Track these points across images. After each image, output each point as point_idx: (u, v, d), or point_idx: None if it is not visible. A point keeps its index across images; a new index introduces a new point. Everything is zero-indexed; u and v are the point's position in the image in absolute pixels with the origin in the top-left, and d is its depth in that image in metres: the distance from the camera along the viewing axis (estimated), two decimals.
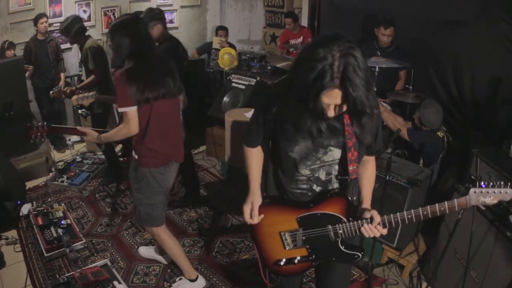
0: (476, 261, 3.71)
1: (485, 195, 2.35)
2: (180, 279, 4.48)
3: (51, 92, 5.78)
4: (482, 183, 2.35)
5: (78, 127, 4.06)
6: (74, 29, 5.96)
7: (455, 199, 2.38)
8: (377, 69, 5.46)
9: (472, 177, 3.85)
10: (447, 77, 5.54)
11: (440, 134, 4.98)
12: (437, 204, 2.40)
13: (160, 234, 4.22)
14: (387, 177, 4.14)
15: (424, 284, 4.41)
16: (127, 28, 3.74)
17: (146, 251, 4.90)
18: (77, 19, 6.12)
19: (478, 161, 3.82)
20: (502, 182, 2.35)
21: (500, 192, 2.33)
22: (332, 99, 2.14)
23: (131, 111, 3.66)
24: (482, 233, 3.63)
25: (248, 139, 2.84)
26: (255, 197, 2.78)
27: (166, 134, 3.94)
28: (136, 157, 3.91)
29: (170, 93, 3.86)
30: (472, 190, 2.36)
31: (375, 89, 5.53)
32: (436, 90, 5.68)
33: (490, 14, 4.95)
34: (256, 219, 2.73)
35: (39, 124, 3.99)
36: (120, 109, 3.68)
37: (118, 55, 3.78)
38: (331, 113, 2.21)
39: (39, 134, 4.00)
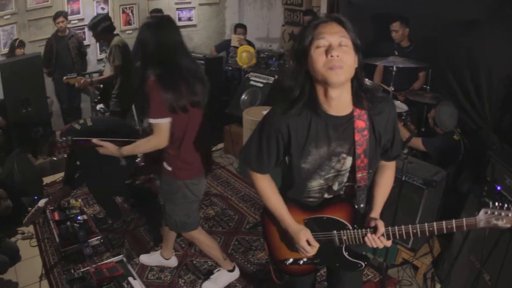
0: (489, 264, 3.68)
1: (497, 217, 2.18)
2: (219, 270, 4.50)
3: (64, 77, 5.84)
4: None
5: (93, 139, 3.74)
6: (100, 27, 6.08)
7: (464, 219, 2.24)
8: (394, 69, 5.43)
9: (488, 179, 3.82)
10: (465, 78, 5.48)
11: (456, 137, 4.94)
12: (444, 222, 2.28)
13: (197, 237, 4.21)
14: (403, 177, 4.13)
15: (438, 286, 4.40)
16: (150, 31, 3.50)
17: (150, 259, 4.81)
18: (105, 18, 6.24)
19: (494, 163, 3.79)
20: None
21: None
22: (327, 30, 2.19)
23: (165, 123, 3.46)
24: (497, 236, 3.58)
25: (257, 164, 2.62)
26: (300, 228, 2.60)
27: (199, 146, 3.77)
28: (170, 169, 3.76)
29: (202, 102, 3.71)
30: (483, 210, 2.21)
31: (392, 89, 5.51)
32: (454, 90, 5.62)
33: (504, 12, 4.89)
34: (316, 244, 2.62)
35: (63, 138, 3.82)
36: (153, 121, 3.45)
37: (142, 59, 3.56)
38: (332, 52, 2.15)
39: (63, 149, 3.85)
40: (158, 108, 3.41)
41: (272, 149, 2.50)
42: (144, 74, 3.47)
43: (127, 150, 3.66)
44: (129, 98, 6.53)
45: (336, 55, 2.13)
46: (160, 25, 3.53)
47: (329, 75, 2.15)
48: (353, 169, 2.47)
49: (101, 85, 6.47)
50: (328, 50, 2.15)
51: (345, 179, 2.53)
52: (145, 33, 3.51)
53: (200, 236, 4.23)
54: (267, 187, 2.68)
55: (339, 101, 2.30)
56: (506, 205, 2.19)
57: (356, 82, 2.31)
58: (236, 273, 4.49)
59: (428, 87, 5.55)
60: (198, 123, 3.72)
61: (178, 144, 3.64)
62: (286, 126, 2.37)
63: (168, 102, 3.39)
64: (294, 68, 2.33)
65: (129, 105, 6.74)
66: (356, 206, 2.54)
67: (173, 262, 4.76)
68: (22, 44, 7.39)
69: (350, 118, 2.35)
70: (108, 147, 3.67)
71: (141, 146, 3.63)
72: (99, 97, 6.64)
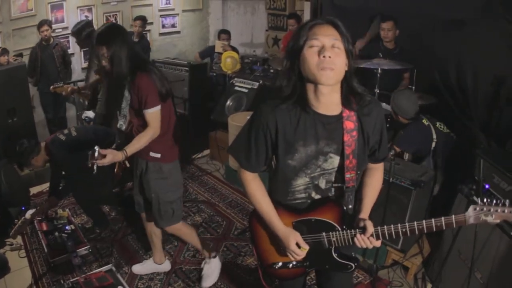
0: (480, 262, 3.70)
1: (486, 213, 2.22)
2: (206, 262, 4.60)
3: (51, 87, 5.83)
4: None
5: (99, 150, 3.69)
6: (84, 33, 6.11)
7: (453, 216, 2.27)
8: (379, 71, 5.45)
9: (476, 178, 3.83)
10: (450, 77, 5.51)
11: (425, 122, 4.91)
12: (433, 220, 2.30)
13: (182, 228, 4.38)
14: (391, 179, 4.14)
15: (429, 286, 4.40)
16: (119, 39, 3.69)
17: (143, 267, 4.79)
18: (89, 24, 6.25)
19: (481, 162, 3.80)
20: (507, 201, 2.21)
21: (504, 212, 2.19)
22: (321, 32, 2.23)
23: (159, 110, 3.75)
24: (487, 234, 3.61)
25: (246, 161, 2.62)
26: (289, 231, 2.58)
27: (178, 129, 4.05)
28: (159, 155, 3.93)
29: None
30: (472, 207, 2.24)
31: (377, 91, 5.53)
32: (439, 90, 5.65)
33: (492, 12, 4.93)
34: (306, 246, 2.59)
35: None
36: (153, 109, 3.70)
37: (118, 65, 3.67)
38: (324, 53, 2.18)
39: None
40: (154, 98, 3.69)
41: (260, 146, 2.52)
42: (128, 77, 3.74)
43: (131, 149, 3.75)
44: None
45: (328, 56, 2.17)
46: (122, 32, 3.80)
47: (321, 75, 2.19)
48: (341, 169, 2.48)
49: (89, 92, 6.45)
50: (320, 51, 2.19)
51: (333, 178, 2.53)
52: (114, 43, 3.65)
53: (184, 227, 4.41)
54: (256, 189, 2.67)
55: (328, 100, 2.33)
56: (494, 201, 2.22)
57: (346, 85, 2.35)
58: (220, 258, 4.65)
59: (414, 87, 5.55)
60: (173, 109, 4.03)
61: (165, 129, 3.88)
62: (274, 121, 2.40)
63: (159, 90, 3.71)
64: (287, 66, 2.36)
65: (115, 109, 6.72)
66: (345, 207, 2.53)
67: (166, 266, 4.77)
68: (5, 51, 7.36)
69: (339, 118, 2.37)
70: (112, 154, 3.65)
71: (142, 139, 3.76)
72: (87, 105, 6.61)
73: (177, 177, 4.14)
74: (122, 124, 4.01)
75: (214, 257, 4.59)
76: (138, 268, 4.77)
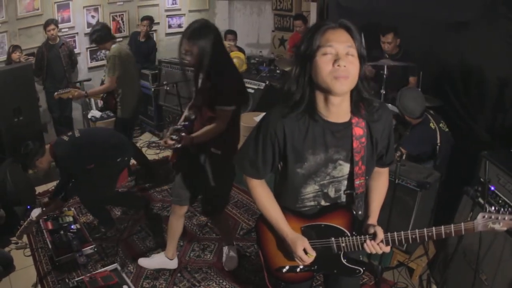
0: (485, 264, 3.70)
1: (494, 221, 2.21)
2: (227, 248, 4.93)
3: (55, 94, 5.84)
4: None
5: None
6: (93, 37, 6.14)
7: (462, 223, 2.26)
8: (385, 72, 5.44)
9: (481, 179, 3.82)
10: (454, 78, 5.51)
11: (432, 125, 4.87)
12: (442, 227, 2.29)
13: (224, 218, 4.88)
14: (396, 180, 4.13)
15: (434, 287, 4.40)
16: (211, 38, 3.81)
17: (151, 261, 4.80)
18: (98, 28, 6.21)
19: (487, 163, 3.79)
20: None
21: (511, 220, 2.20)
22: (335, 38, 2.16)
23: (231, 110, 3.87)
24: (491, 236, 3.60)
25: (252, 170, 2.59)
26: (297, 236, 2.55)
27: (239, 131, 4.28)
28: (219, 152, 4.05)
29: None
30: (480, 215, 2.24)
31: (384, 92, 5.52)
32: (445, 92, 5.63)
33: (494, 13, 4.91)
34: (314, 253, 2.57)
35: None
36: (226, 107, 3.83)
37: (203, 61, 3.80)
38: (339, 62, 2.11)
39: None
40: (231, 97, 3.87)
41: (267, 154, 2.47)
42: (213, 73, 3.87)
43: (199, 137, 3.92)
44: (133, 107, 6.47)
45: (343, 65, 2.11)
46: (213, 31, 3.87)
47: (334, 84, 2.13)
48: (350, 176, 2.46)
49: (104, 95, 6.46)
50: (336, 60, 2.12)
51: (343, 187, 2.51)
52: (202, 40, 3.77)
53: (225, 218, 4.92)
54: (263, 195, 2.64)
55: (338, 109, 2.29)
56: (502, 209, 2.22)
57: (356, 92, 2.29)
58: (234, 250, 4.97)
59: (420, 89, 5.54)
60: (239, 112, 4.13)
61: (231, 129, 3.98)
62: (283, 130, 2.35)
63: (238, 91, 3.96)
64: (297, 72, 2.29)
65: (134, 114, 6.65)
66: (355, 213, 2.52)
67: (174, 263, 4.78)
68: (16, 48, 7.39)
69: (348, 125, 2.34)
70: (184, 140, 3.83)
71: (210, 132, 3.90)
72: (104, 104, 6.61)
73: (231, 175, 4.29)
74: (192, 113, 4.20)
75: (233, 245, 4.92)
76: (146, 262, 4.79)
